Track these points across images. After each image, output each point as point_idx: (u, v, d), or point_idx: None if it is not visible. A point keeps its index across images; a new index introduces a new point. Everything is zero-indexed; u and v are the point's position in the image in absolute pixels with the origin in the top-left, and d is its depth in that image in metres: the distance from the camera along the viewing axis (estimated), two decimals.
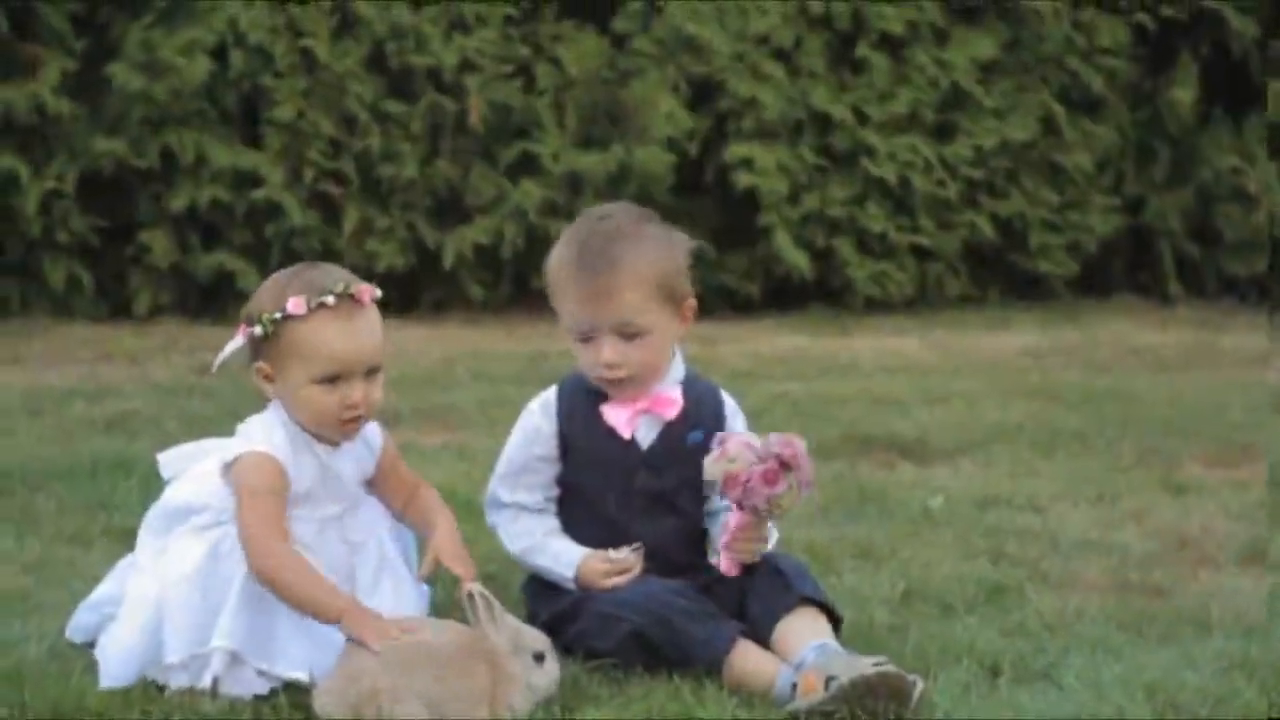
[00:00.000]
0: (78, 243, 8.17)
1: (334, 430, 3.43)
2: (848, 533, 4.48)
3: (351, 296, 3.38)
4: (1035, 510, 4.79)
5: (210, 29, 8.14)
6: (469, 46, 8.43)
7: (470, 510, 4.41)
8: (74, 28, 8.17)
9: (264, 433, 3.42)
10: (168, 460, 3.60)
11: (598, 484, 3.61)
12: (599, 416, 3.59)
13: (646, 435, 3.60)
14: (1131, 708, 3.22)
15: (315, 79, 8.26)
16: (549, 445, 3.63)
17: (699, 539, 3.67)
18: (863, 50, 8.82)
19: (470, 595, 3.25)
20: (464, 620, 3.27)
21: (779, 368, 7.20)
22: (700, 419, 3.62)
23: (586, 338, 3.56)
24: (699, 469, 3.49)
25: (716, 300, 8.77)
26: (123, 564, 3.63)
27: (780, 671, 3.33)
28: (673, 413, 3.60)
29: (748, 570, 3.51)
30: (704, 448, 3.50)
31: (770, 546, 3.53)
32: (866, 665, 3.21)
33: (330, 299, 3.36)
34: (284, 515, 3.35)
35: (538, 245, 8.28)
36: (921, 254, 9.00)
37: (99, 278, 8.29)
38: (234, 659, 3.29)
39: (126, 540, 3.93)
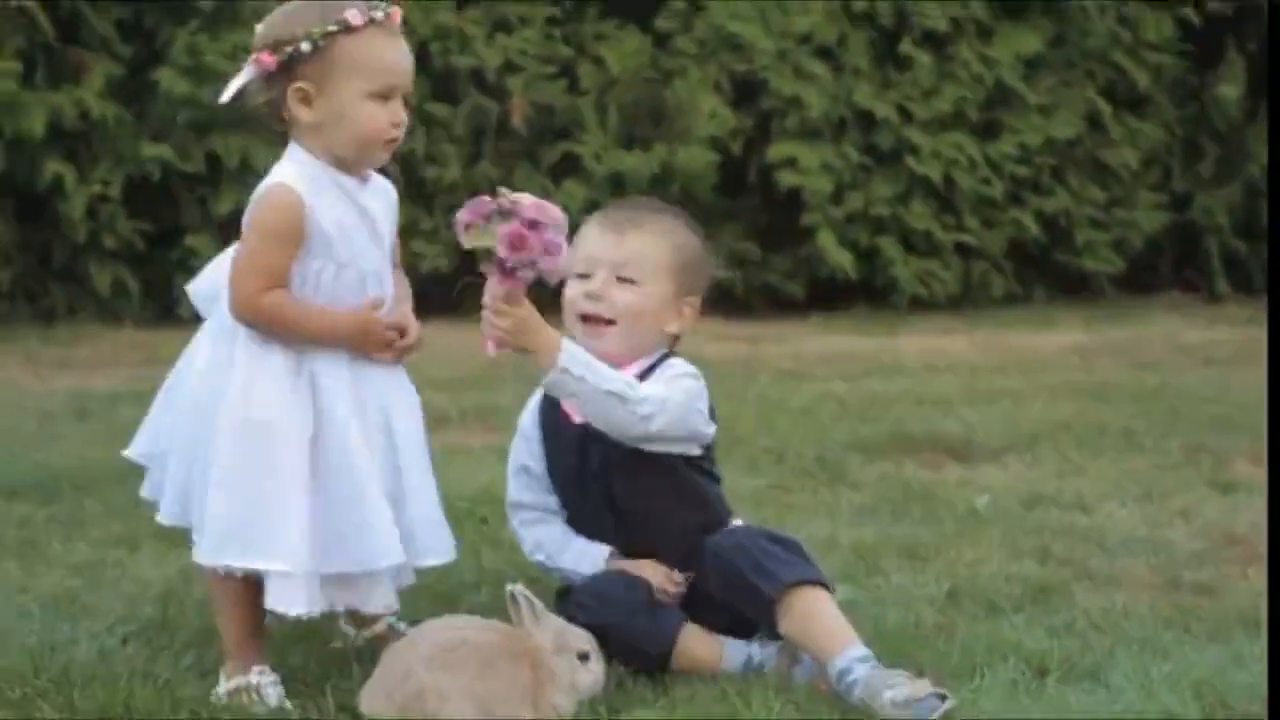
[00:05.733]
0: (124, 247, 8.21)
1: (377, 151, 3.38)
2: (894, 532, 4.47)
3: (388, 16, 3.36)
4: (1082, 509, 4.77)
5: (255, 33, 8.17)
6: (511, 47, 8.44)
7: None
8: (120, 33, 8.21)
9: (285, 167, 3.39)
10: (198, 288, 3.48)
11: (561, 480, 3.58)
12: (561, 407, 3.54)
13: None
14: (1180, 707, 3.20)
15: None
16: (535, 448, 3.61)
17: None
18: (906, 47, 8.80)
19: (513, 596, 3.26)
20: (508, 621, 3.27)
21: (824, 367, 7.18)
22: None
23: (582, 275, 3.52)
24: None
25: (761, 300, 8.76)
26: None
27: (727, 646, 3.42)
28: None
29: (705, 577, 3.45)
30: None
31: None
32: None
33: (380, 14, 3.33)
34: (288, 268, 3.31)
35: None
36: (967, 252, 8.97)
37: (145, 282, 8.33)
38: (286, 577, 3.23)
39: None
